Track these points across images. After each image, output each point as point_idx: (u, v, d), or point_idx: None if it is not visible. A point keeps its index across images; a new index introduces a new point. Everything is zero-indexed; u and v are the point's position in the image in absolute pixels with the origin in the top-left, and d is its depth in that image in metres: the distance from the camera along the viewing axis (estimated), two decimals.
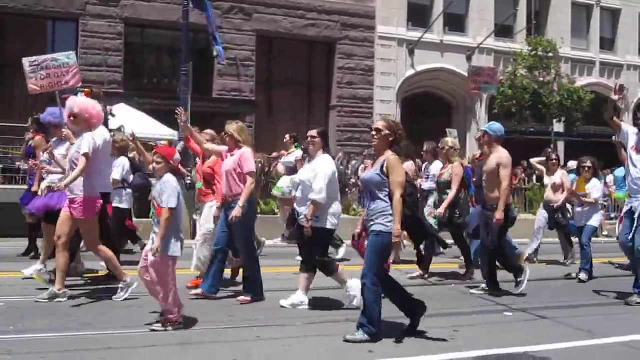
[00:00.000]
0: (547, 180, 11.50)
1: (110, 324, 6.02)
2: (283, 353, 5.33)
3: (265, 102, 26.23)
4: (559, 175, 11.28)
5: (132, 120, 16.17)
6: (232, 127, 7.41)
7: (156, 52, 25.97)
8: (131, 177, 9.65)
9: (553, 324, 6.69)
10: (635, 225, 7.63)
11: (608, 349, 5.79)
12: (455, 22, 28.74)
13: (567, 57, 30.01)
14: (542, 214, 11.62)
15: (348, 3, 26.54)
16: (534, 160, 12.31)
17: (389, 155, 5.68)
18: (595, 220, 9.93)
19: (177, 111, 7.93)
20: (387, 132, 5.78)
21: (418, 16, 27.92)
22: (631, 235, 7.74)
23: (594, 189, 9.81)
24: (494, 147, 8.06)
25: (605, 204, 17.93)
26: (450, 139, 9.79)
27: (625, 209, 8.04)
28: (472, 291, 8.25)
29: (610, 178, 18.40)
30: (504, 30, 28.75)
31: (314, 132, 7.22)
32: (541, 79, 26.83)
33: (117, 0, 23.47)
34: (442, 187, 9.20)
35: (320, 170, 6.87)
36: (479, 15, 28.83)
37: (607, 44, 32.35)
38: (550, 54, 27.08)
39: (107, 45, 23.24)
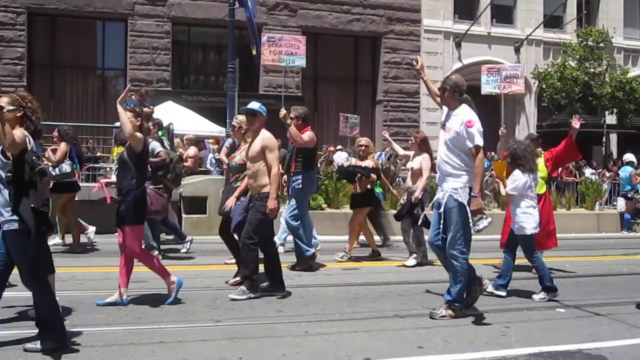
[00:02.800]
0: (408, 164, 10.18)
1: (163, 317, 6.11)
2: (333, 348, 5.32)
3: (311, 97, 26.25)
4: (419, 160, 9.72)
5: (180, 118, 16.39)
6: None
7: (203, 50, 26.28)
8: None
9: (608, 320, 6.53)
10: (439, 224, 6.39)
11: None
12: (503, 14, 28.28)
13: (619, 46, 29.22)
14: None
15: None
16: (396, 147, 11.10)
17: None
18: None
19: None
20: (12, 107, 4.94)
21: (464, 8, 27.57)
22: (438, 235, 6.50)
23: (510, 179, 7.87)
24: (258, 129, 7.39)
25: None
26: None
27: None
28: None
29: None
30: (553, 21, 28.15)
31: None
32: (592, 70, 26.20)
33: (164, 0, 23.80)
34: None
35: None
36: (527, 6, 28.29)
37: None
38: (602, 44, 26.41)
39: (155, 44, 23.61)
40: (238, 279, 7.60)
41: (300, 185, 8.99)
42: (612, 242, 11.75)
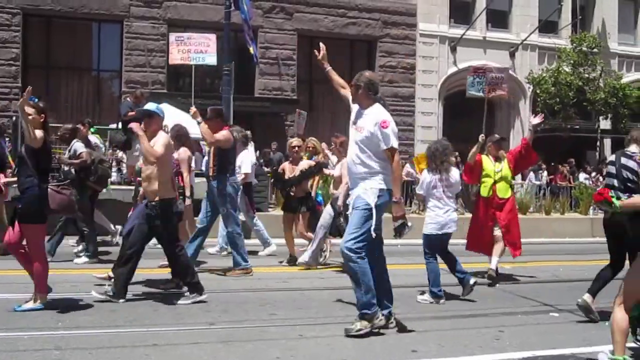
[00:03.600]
0: (329, 171, 9.89)
1: (156, 320, 6.10)
2: (326, 352, 5.32)
3: (306, 100, 26.25)
4: (338, 167, 9.21)
5: (176, 120, 16.33)
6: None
7: None
8: None
9: (601, 325, 6.53)
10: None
11: None
12: (498, 18, 28.36)
13: (613, 52, 29.35)
14: (327, 210, 9.54)
15: (389, 1, 26.39)
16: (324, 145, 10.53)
17: None
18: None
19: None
20: None
21: (460, 13, 27.64)
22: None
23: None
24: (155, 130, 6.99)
25: None
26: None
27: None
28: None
29: None
30: (548, 26, 28.24)
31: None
32: (586, 75, 26.29)
33: (160, 2, 23.80)
34: None
35: None
36: (522, 11, 28.38)
37: None
38: (595, 50, 26.52)
39: (150, 46, 23.58)
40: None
41: (221, 190, 8.51)
42: (606, 247, 11.81)
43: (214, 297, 7.06)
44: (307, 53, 26.32)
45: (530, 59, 28.28)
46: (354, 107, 6.24)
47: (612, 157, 6.81)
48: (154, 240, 7.35)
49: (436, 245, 7.53)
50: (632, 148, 6.60)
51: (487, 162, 9.04)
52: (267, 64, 24.59)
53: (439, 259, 7.57)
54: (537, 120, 8.85)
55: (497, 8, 27.87)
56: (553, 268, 9.84)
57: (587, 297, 6.64)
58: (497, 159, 9.04)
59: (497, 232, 8.85)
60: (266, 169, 15.38)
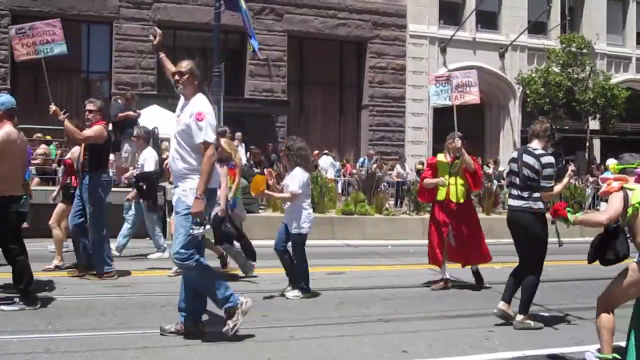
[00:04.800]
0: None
1: (146, 323, 6.08)
2: (317, 353, 5.32)
3: (297, 102, 26.28)
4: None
5: (166, 122, 16.32)
6: None
7: (188, 54, 26.16)
8: None
9: (591, 324, 6.53)
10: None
11: None
12: (488, 19, 28.47)
13: (602, 53, 29.55)
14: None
15: (379, 2, 26.45)
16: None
17: None
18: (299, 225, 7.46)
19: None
20: None
21: (449, 14, 27.72)
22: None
23: (289, 179, 7.55)
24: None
25: None
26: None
27: None
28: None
29: None
30: (537, 27, 28.37)
31: None
32: (575, 75, 26.43)
33: (150, 3, 23.74)
34: None
35: None
36: (511, 12, 28.52)
37: None
38: (585, 50, 26.67)
39: (140, 47, 23.52)
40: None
41: (90, 188, 8.08)
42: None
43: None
44: (297, 54, 26.40)
45: (519, 60, 28.41)
46: (181, 100, 5.75)
47: (514, 154, 6.57)
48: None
49: (304, 243, 7.51)
50: (534, 144, 6.38)
51: (443, 162, 8.38)
52: (257, 65, 24.57)
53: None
54: (456, 144, 8.15)
55: (486, 9, 27.98)
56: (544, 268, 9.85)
57: (502, 304, 6.39)
58: (456, 158, 8.26)
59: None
60: (257, 170, 15.38)
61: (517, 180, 6.29)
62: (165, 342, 5.45)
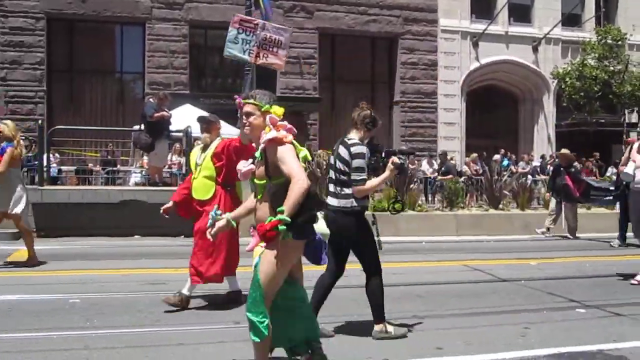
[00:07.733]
0: None
1: (182, 320, 6.14)
2: (351, 350, 5.31)
3: (328, 99, 26.29)
4: None
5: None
6: None
7: (220, 53, 26.32)
8: None
9: (629, 320, 6.44)
10: None
11: None
12: (521, 12, 28.15)
13: (639, 44, 28.95)
14: None
15: None
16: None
17: None
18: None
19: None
20: None
21: (481, 8, 27.47)
22: None
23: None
24: None
25: None
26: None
27: None
28: None
29: None
30: (571, 19, 27.97)
31: None
32: (611, 68, 25.97)
33: (182, 3, 23.97)
34: None
35: None
36: (545, 5, 28.13)
37: None
38: (620, 42, 26.18)
39: (172, 47, 23.78)
40: None
41: None
42: (636, 241, 11.59)
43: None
44: (329, 51, 26.41)
45: (553, 53, 28.03)
46: None
47: (335, 146, 5.76)
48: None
49: None
50: (352, 134, 5.73)
51: (194, 153, 7.17)
52: (288, 63, 24.61)
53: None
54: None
55: (519, 2, 27.70)
56: (577, 264, 9.73)
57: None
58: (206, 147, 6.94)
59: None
60: None
61: (333, 175, 5.59)
62: (200, 339, 5.51)
